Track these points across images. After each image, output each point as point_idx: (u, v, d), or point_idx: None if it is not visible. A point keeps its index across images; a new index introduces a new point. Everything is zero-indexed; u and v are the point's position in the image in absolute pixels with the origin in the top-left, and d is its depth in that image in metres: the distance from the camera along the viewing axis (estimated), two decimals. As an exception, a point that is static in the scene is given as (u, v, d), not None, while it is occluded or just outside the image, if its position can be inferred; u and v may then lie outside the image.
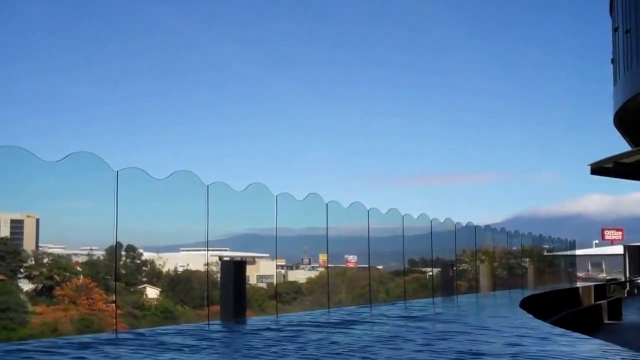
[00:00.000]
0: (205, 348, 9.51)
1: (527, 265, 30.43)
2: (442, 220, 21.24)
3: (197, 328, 12.07)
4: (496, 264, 28.53)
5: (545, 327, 12.11)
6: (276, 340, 10.39)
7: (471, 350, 8.68)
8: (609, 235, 71.10)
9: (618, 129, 34.20)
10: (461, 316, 15.28)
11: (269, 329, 11.88)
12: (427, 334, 11.38)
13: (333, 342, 9.99)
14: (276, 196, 14.39)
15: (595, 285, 32.17)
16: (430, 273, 22.66)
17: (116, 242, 11.95)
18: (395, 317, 14.38)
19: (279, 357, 8.58)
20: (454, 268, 22.83)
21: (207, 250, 13.77)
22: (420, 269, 23.64)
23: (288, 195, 14.89)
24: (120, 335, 10.77)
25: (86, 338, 10.40)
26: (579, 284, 32.40)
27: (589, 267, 73.53)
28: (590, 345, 9.34)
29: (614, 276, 57.41)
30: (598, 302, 27.35)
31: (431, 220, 20.28)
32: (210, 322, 12.76)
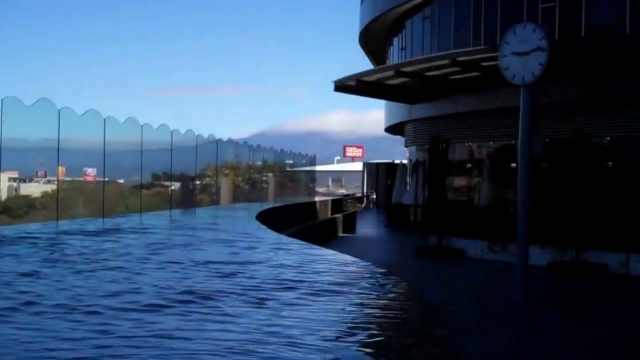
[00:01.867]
0: None
1: (268, 180, 31.84)
2: (183, 132, 21.41)
3: None
4: (240, 178, 29.53)
5: (281, 237, 13.03)
6: (46, 247, 10.27)
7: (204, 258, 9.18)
8: (350, 152, 75.98)
9: (363, 48, 36.48)
10: (191, 225, 16.02)
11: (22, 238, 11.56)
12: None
13: (103, 249, 10.06)
14: (1, 100, 13.55)
15: (332, 200, 34.52)
16: (173, 187, 22.92)
17: None
18: (138, 228, 14.64)
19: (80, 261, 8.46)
20: (195, 182, 23.33)
21: None
22: (163, 183, 23.78)
23: (15, 100, 14.00)
24: None
25: None
26: (317, 199, 34.56)
27: (330, 183, 78.47)
28: (324, 252, 10.25)
29: (352, 191, 61.96)
30: (334, 216, 29.48)
31: (172, 132, 20.38)
32: None
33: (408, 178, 28.17)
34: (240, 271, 7.43)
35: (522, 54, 11.48)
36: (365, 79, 25.04)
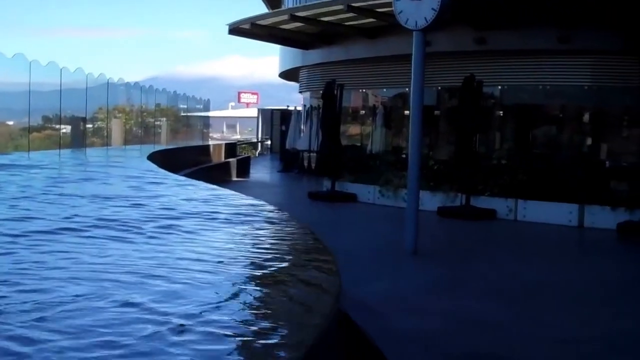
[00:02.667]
0: None
1: (161, 125, 31.14)
2: (72, 70, 20.47)
3: None
4: (132, 121, 28.78)
5: (178, 177, 12.76)
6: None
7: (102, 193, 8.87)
8: (245, 98, 75.13)
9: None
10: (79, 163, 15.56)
11: None
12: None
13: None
14: None
15: (226, 144, 34.17)
16: (64, 130, 22.16)
17: None
18: (32, 165, 14.02)
19: None
20: (85, 123, 22.59)
21: None
22: (54, 125, 23.01)
23: None
24: None
25: None
26: (211, 143, 34.05)
27: (224, 129, 77.75)
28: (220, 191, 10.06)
29: (246, 137, 61.67)
30: (228, 160, 29.22)
31: (61, 70, 19.48)
32: None
33: (302, 124, 28.19)
34: (148, 203, 7.45)
35: (415, -1, 11.48)
36: (260, 22, 24.78)
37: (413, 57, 11.61)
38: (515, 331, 7.32)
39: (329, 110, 19.51)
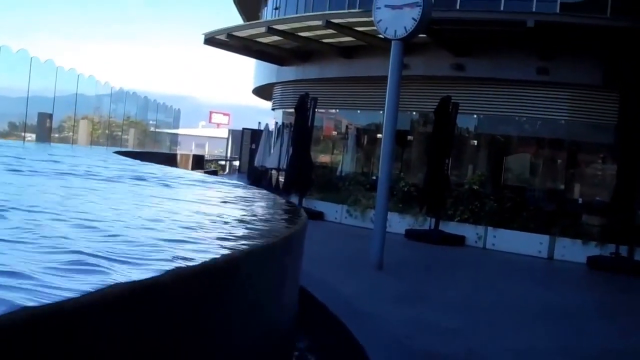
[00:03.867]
0: None
1: (129, 139, 30.79)
2: (43, 60, 19.95)
3: None
4: (99, 131, 28.36)
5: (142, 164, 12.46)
6: None
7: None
8: (216, 118, 74.64)
9: (236, 6, 35.76)
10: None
11: None
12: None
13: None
14: None
15: (193, 155, 33.90)
16: (29, 138, 21.78)
17: None
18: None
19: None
20: (52, 120, 22.19)
21: None
22: (20, 133, 22.67)
23: None
24: None
25: None
26: (179, 152, 33.72)
27: (193, 148, 76.96)
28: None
29: (216, 157, 61.02)
30: (195, 171, 28.79)
31: (31, 59, 18.94)
32: None
33: (272, 141, 27.76)
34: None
35: (396, 8, 11.24)
36: (237, 33, 24.42)
37: (390, 68, 11.32)
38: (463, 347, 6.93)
39: (301, 123, 19.15)
